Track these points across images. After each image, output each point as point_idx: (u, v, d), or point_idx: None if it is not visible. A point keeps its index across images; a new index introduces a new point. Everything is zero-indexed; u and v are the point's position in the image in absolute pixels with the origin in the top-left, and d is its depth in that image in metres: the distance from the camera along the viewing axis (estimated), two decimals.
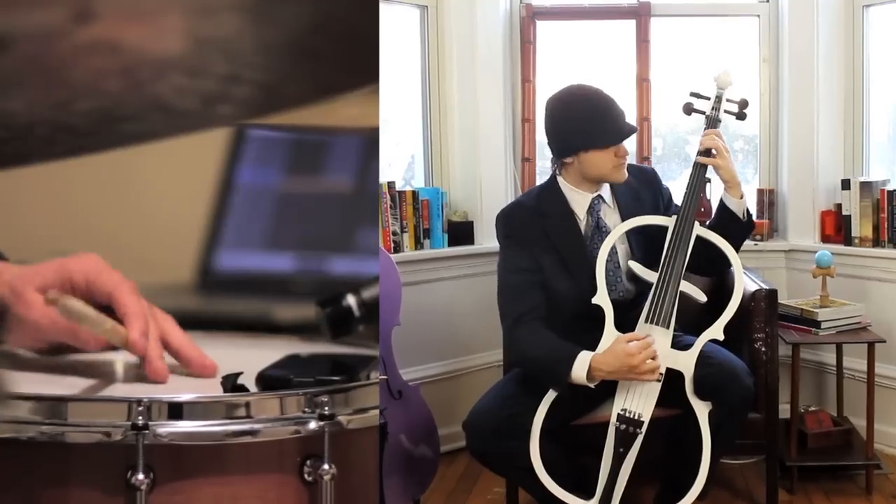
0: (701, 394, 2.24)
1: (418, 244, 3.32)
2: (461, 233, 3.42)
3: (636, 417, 2.21)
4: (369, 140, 1.72)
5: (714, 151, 2.37)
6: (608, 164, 2.34)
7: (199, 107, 1.31)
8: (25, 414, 1.30)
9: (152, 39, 1.23)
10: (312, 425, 1.36)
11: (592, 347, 2.23)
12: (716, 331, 2.27)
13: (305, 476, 1.38)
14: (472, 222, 3.44)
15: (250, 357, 1.47)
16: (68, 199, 1.53)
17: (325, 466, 1.37)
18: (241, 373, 1.39)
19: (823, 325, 2.92)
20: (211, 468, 1.34)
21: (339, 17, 1.28)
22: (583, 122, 2.32)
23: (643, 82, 3.50)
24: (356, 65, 1.33)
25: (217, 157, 1.73)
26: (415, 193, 3.30)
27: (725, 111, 2.45)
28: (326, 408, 1.37)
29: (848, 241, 3.30)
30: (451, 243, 3.40)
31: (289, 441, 1.37)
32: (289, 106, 1.37)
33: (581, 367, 2.19)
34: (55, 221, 1.48)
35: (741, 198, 2.40)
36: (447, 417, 3.02)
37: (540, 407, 2.24)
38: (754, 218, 3.39)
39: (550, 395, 2.25)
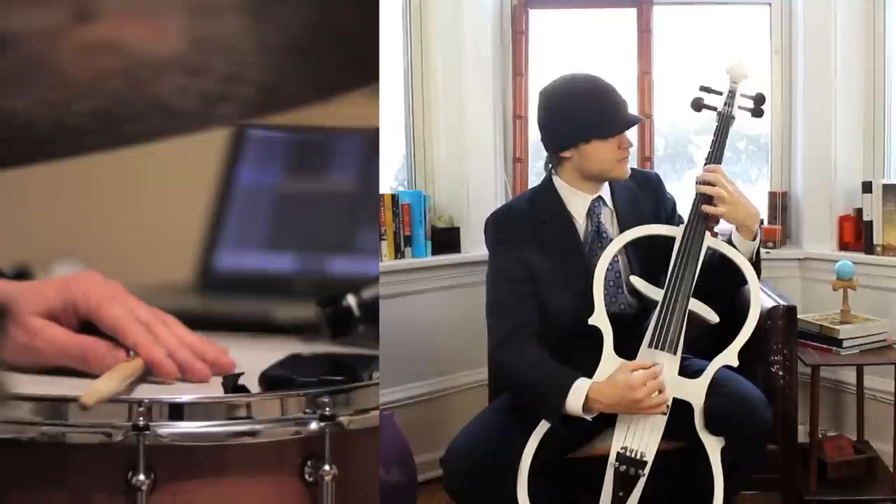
0: (712, 427, 2.25)
1: (398, 253, 3.39)
2: (446, 240, 3.51)
3: (638, 457, 2.22)
4: (369, 140, 1.92)
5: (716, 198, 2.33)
6: (611, 157, 2.38)
7: (200, 107, 1.49)
8: (26, 415, 1.46)
9: (152, 39, 1.40)
10: (313, 426, 1.55)
11: (589, 369, 2.24)
12: (729, 356, 2.27)
13: (306, 477, 1.56)
14: (458, 228, 3.54)
15: (251, 358, 1.64)
16: (68, 198, 1.71)
17: (326, 467, 1.55)
18: (241, 373, 1.58)
19: (845, 344, 3.01)
20: (212, 469, 1.52)
21: (339, 17, 1.46)
22: (583, 109, 2.35)
23: (645, 76, 3.59)
24: (356, 65, 1.51)
25: (217, 157, 1.93)
26: (394, 197, 3.37)
27: (740, 107, 2.47)
28: (327, 408, 1.55)
29: (869, 249, 3.38)
30: (435, 251, 3.48)
31: (290, 442, 1.55)
32: (289, 106, 1.55)
33: (577, 396, 2.19)
34: (55, 221, 1.67)
35: (754, 238, 2.37)
36: (427, 443, 3.12)
37: (529, 442, 2.25)
38: (765, 223, 3.58)
39: (542, 428, 2.26)
